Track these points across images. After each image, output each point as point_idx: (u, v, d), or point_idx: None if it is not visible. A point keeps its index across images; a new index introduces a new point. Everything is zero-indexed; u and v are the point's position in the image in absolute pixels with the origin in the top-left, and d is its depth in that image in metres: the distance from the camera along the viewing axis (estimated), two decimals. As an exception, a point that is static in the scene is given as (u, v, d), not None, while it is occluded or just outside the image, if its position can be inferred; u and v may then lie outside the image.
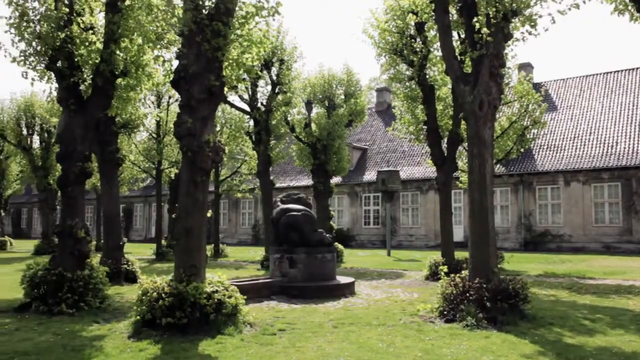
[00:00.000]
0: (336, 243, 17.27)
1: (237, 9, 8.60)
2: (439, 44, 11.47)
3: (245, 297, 8.54)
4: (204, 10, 8.37)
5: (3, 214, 36.35)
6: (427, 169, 32.38)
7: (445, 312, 8.84)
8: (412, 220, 34.40)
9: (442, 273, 9.78)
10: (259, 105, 20.47)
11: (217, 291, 8.06)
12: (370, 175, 35.81)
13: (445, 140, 16.25)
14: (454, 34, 11.42)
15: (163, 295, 7.80)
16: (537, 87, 30.46)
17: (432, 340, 7.46)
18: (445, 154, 15.84)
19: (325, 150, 21.90)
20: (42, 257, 14.89)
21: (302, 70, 22.16)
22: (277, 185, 31.21)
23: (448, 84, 15.74)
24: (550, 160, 29.66)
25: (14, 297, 11.03)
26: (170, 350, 6.83)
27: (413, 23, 15.64)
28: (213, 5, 8.43)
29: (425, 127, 16.29)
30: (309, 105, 22.16)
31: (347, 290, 11.97)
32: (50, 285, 9.63)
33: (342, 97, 22.59)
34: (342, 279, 12.61)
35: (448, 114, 16.48)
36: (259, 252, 22.55)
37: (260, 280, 12.11)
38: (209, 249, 23.31)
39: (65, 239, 10.18)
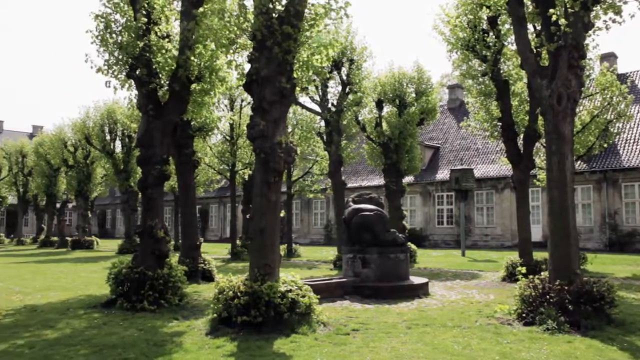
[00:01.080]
0: (409, 243, 17.04)
1: (306, 11, 8.68)
2: (513, 37, 11.09)
3: (318, 296, 8.59)
4: (274, 14, 8.50)
5: (90, 215, 38.44)
6: (502, 167, 31.43)
7: (523, 315, 8.53)
8: (487, 219, 33.49)
9: (520, 274, 9.45)
10: (330, 105, 20.55)
11: (291, 290, 8.16)
12: (443, 174, 35.17)
13: (522, 136, 15.69)
14: (529, 26, 11.01)
15: (238, 294, 7.99)
16: (622, 78, 28.87)
17: (510, 343, 7.22)
18: (522, 151, 15.30)
19: (396, 149, 21.70)
20: (125, 256, 15.61)
21: (372, 69, 22.11)
22: (349, 185, 31.23)
23: (523, 78, 15.18)
24: (637, 156, 27.99)
25: (101, 293, 11.66)
26: (246, 348, 6.98)
27: (485, 17, 15.22)
28: (283, 9, 8.54)
29: (499, 123, 15.80)
30: (379, 104, 22.03)
31: (420, 291, 11.80)
32: (133, 283, 10.09)
33: (413, 95, 22.29)
34: (416, 279, 12.45)
35: (524, 109, 15.91)
36: (331, 252, 22.68)
37: (333, 280, 12.15)
38: (282, 248, 23.64)
39: (146, 239, 10.63)
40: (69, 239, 36.98)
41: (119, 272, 10.37)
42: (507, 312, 9.04)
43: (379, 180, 32.60)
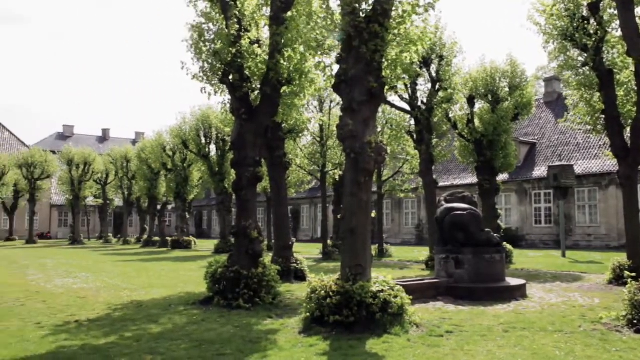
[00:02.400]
0: (504, 243, 16.43)
1: (393, 9, 8.59)
2: (617, 23, 10.37)
3: (410, 297, 8.48)
4: (361, 14, 8.48)
5: (188, 216, 40.20)
6: (606, 162, 29.56)
7: (634, 322, 7.94)
8: (589, 218, 31.59)
9: (629, 277, 8.82)
10: (420, 103, 20.23)
11: (382, 291, 8.10)
12: (540, 171, 33.61)
13: (628, 129, 14.63)
14: (637, 10, 10.26)
15: (331, 293, 8.03)
16: None
17: (619, 351, 6.74)
18: (629, 145, 14.27)
19: (490, 146, 20.98)
20: (221, 256, 16.18)
21: (462, 65, 21.38)
22: (440, 184, 30.57)
23: (630, 66, 14.14)
24: None
25: (199, 291, 12.16)
26: (338, 347, 7.00)
27: (585, 4, 14.36)
28: (370, 8, 8.50)
29: (603, 116, 14.82)
30: (471, 100, 21.41)
31: (517, 293, 11.32)
32: (229, 282, 10.42)
33: (507, 89, 21.42)
34: (512, 281, 11.96)
35: (631, 100, 14.81)
36: (423, 252, 22.33)
37: (426, 281, 11.94)
38: (374, 248, 23.54)
39: (240, 239, 10.95)
40: (169, 239, 38.83)
41: (215, 271, 10.75)
42: (615, 317, 8.46)
43: (472, 179, 31.71)
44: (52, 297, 12.06)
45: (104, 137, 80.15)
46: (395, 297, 8.13)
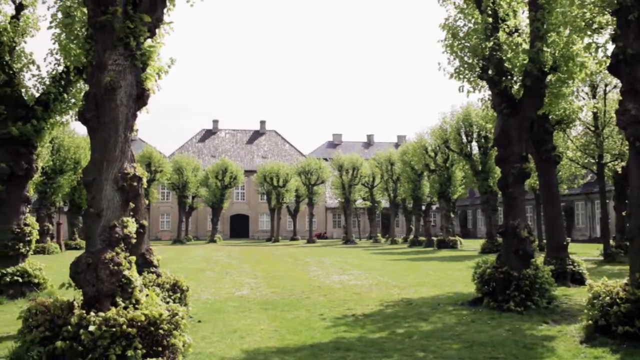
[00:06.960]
0: None
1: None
2: None
3: None
4: (641, -20, 7.42)
5: (452, 215, 40.19)
6: None
7: None
8: None
9: None
10: None
11: (687, 301, 6.91)
12: None
13: None
14: None
15: (617, 300, 7.18)
16: None
17: None
18: None
19: None
20: (488, 256, 15.74)
21: None
22: None
23: None
24: None
25: (467, 291, 12.03)
26: (630, 362, 6.20)
27: None
28: (652, -29, 7.38)
29: None
30: None
31: None
32: (498, 283, 10.09)
33: None
34: None
35: None
36: None
37: None
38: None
39: (509, 239, 10.52)
40: (434, 238, 39.35)
41: (483, 271, 10.53)
42: None
43: None
44: (331, 291, 13.21)
45: (368, 143, 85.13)
46: None
